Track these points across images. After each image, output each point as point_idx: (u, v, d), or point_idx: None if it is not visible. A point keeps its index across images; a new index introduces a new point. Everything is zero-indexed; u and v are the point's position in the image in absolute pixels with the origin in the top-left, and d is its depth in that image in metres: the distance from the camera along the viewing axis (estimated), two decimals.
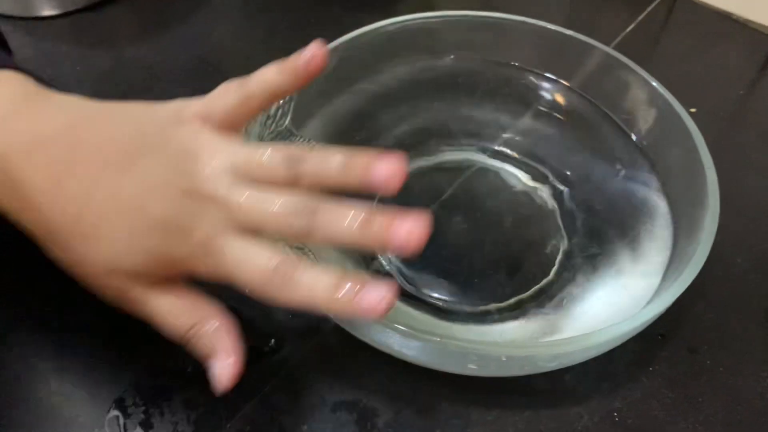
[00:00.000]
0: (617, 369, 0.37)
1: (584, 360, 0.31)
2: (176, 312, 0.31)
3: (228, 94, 0.31)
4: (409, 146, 0.43)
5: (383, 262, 0.38)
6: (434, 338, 0.27)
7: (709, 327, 0.39)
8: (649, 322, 0.30)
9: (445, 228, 0.40)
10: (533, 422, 0.35)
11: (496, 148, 0.44)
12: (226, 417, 0.34)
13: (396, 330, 0.28)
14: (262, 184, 0.29)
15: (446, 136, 0.44)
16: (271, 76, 0.32)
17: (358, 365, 0.36)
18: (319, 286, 0.27)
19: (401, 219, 0.27)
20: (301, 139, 0.39)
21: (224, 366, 0.30)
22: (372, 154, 0.28)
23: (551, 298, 0.37)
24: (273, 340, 0.37)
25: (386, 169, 0.27)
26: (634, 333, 0.30)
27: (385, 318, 0.28)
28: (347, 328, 0.32)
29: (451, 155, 0.44)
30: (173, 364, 0.35)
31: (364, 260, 0.38)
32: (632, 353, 0.38)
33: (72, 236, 0.30)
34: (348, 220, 0.27)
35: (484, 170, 0.43)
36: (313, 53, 0.31)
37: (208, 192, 0.29)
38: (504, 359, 0.28)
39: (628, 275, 0.36)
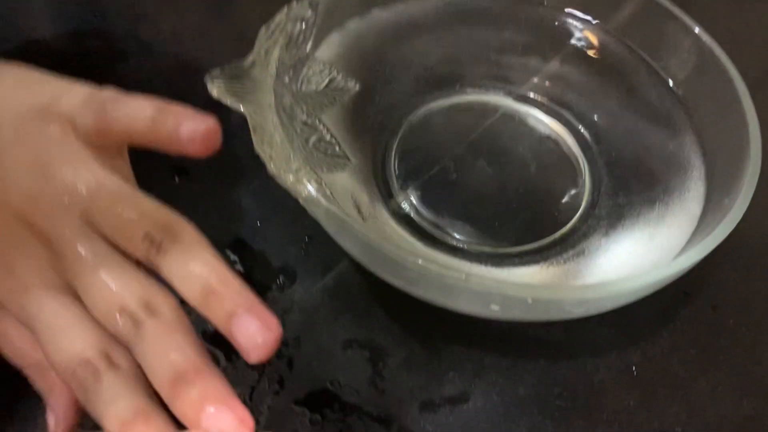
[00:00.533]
0: (638, 324, 0.36)
1: (612, 308, 0.30)
2: None
3: (99, 105, 0.27)
4: (433, 85, 0.41)
5: (401, 202, 0.37)
6: (459, 274, 0.26)
7: (733, 286, 0.38)
8: (685, 271, 0.29)
9: (467, 170, 0.39)
10: (549, 372, 0.34)
11: (524, 92, 0.42)
12: (235, 353, 0.33)
13: (416, 266, 0.26)
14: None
15: (472, 76, 0.42)
16: (146, 114, 0.27)
17: (371, 304, 0.35)
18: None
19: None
20: (323, 67, 0.37)
21: None
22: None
23: (573, 246, 0.36)
24: (282, 277, 0.36)
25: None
26: (667, 282, 0.29)
27: (405, 253, 0.27)
28: (363, 264, 0.31)
29: (476, 97, 0.42)
30: None
31: (381, 196, 0.37)
32: (654, 309, 0.37)
33: None
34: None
35: (510, 114, 0.41)
36: (204, 129, 0.27)
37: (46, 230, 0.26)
38: (530, 301, 0.26)
39: (655, 227, 0.35)
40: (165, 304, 0.24)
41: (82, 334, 0.24)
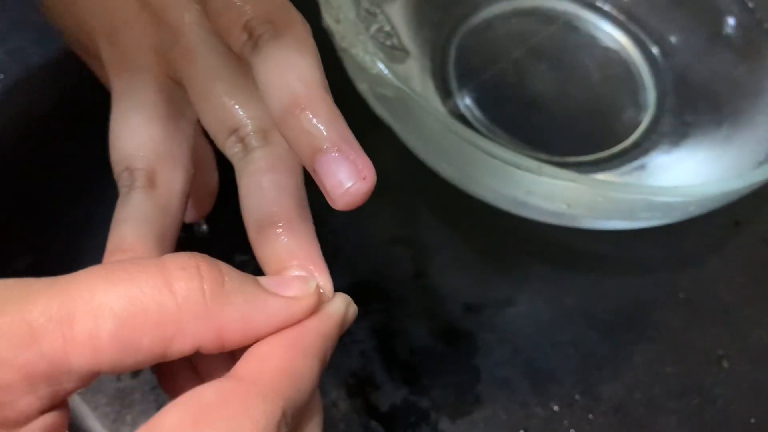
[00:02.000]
0: (688, 248, 0.35)
1: (680, 218, 0.29)
2: None
3: None
4: None
5: (458, 102, 0.35)
6: (534, 163, 0.25)
7: None
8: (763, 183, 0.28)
9: (527, 75, 0.37)
10: (596, 285, 0.34)
11: (592, 0, 0.40)
12: None
13: (494, 151, 0.25)
14: None
15: None
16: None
17: (417, 203, 0.34)
18: None
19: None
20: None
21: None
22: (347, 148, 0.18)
23: (632, 160, 0.35)
24: None
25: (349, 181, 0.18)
26: (741, 195, 0.28)
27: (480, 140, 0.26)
28: (422, 153, 0.30)
29: (542, 1, 0.40)
30: None
31: (438, 94, 0.35)
32: (705, 236, 0.36)
33: None
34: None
35: (575, 23, 0.39)
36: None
37: None
38: (600, 199, 0.25)
39: (722, 148, 0.33)
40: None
41: (142, 139, 0.22)
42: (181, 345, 0.16)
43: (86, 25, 0.25)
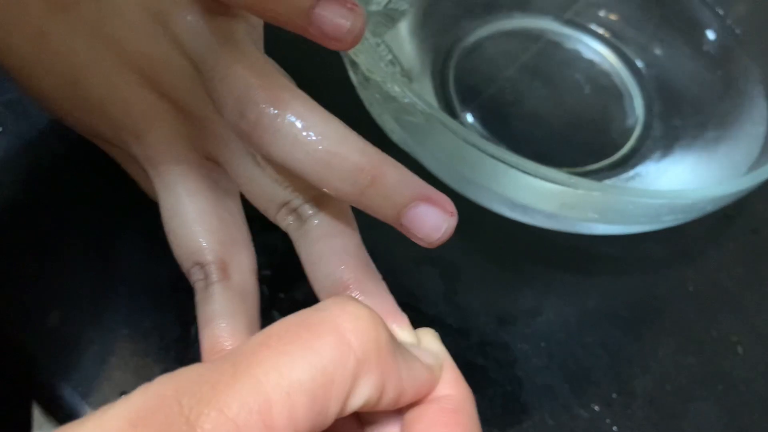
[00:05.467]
0: (687, 243, 0.38)
1: (695, 218, 0.31)
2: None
3: None
4: (482, 7, 0.41)
5: (463, 122, 0.37)
6: (571, 178, 0.26)
7: None
8: None
9: (523, 92, 0.39)
10: (612, 286, 0.35)
11: (573, 17, 0.42)
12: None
13: (528, 169, 0.27)
14: None
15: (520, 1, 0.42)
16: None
17: None
18: None
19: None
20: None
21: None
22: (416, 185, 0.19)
23: (632, 167, 0.37)
24: None
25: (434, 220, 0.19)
26: (750, 191, 0.30)
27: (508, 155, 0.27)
28: (441, 179, 0.31)
29: (525, 22, 0.42)
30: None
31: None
32: (699, 230, 0.38)
33: None
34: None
35: (560, 40, 0.41)
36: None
37: None
38: (631, 206, 0.27)
39: (714, 148, 0.36)
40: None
41: (202, 231, 0.23)
42: (357, 400, 0.16)
43: (103, 131, 0.25)
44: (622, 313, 0.34)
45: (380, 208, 0.20)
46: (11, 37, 0.23)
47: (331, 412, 0.15)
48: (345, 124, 0.20)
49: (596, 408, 0.31)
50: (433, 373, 0.18)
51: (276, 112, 0.18)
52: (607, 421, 0.31)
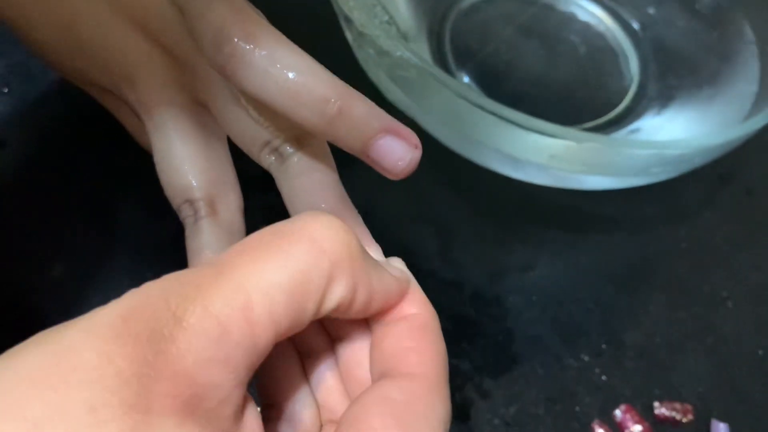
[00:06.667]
0: (681, 203, 0.38)
1: (684, 171, 0.32)
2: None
3: None
4: None
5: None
6: (559, 128, 0.26)
7: (765, 171, 0.40)
8: (758, 131, 0.30)
9: (519, 53, 0.39)
10: (606, 244, 0.36)
11: None
12: None
13: (517, 120, 0.27)
14: None
15: None
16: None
17: (435, 181, 0.36)
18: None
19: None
20: None
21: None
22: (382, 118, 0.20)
23: (628, 124, 0.37)
24: None
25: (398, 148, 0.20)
26: (740, 143, 0.31)
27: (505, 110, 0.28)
28: (436, 135, 0.31)
29: None
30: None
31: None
32: (694, 191, 0.38)
33: None
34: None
35: (555, 2, 0.41)
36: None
37: None
38: (618, 158, 0.27)
39: (707, 105, 0.36)
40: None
41: (192, 170, 0.24)
42: (331, 300, 0.17)
43: (97, 78, 0.25)
44: (614, 269, 0.35)
45: (348, 139, 0.20)
46: None
47: (308, 311, 0.16)
48: (314, 59, 0.20)
49: (586, 358, 0.32)
50: (401, 284, 0.19)
51: (249, 46, 0.19)
52: (596, 370, 0.32)
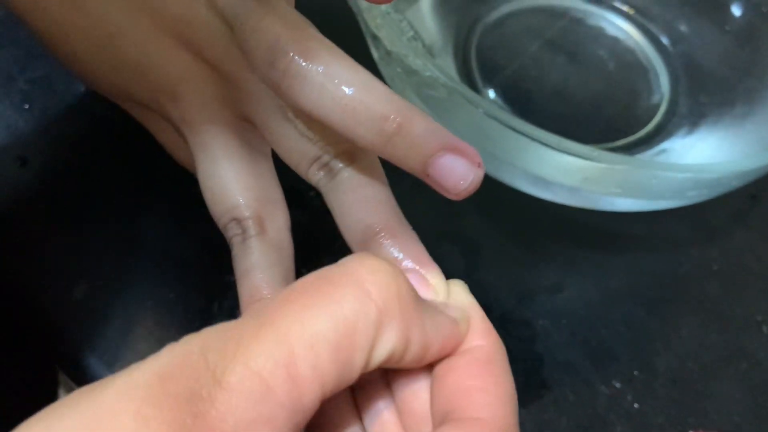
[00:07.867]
0: (712, 223, 0.37)
1: (720, 194, 0.31)
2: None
3: None
4: None
5: (486, 97, 0.37)
6: (593, 151, 0.26)
7: None
8: None
9: (547, 69, 0.39)
10: (636, 265, 0.35)
11: None
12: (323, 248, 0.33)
13: (550, 142, 0.26)
14: None
15: None
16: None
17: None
18: None
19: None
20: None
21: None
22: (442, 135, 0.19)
23: (658, 143, 0.36)
24: None
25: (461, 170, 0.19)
26: None
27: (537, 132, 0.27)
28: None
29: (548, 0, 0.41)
30: None
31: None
32: (725, 211, 0.38)
33: None
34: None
35: (584, 17, 0.41)
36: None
37: None
38: (654, 181, 0.27)
39: (740, 124, 0.35)
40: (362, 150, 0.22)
41: (238, 188, 0.23)
42: (381, 351, 0.16)
43: (136, 93, 0.25)
44: (645, 291, 0.34)
45: (406, 158, 0.19)
46: (45, 0, 0.23)
47: (357, 363, 0.15)
48: (372, 74, 0.20)
49: (617, 385, 0.31)
50: (459, 326, 0.18)
51: (304, 61, 0.19)
52: (629, 397, 0.31)
